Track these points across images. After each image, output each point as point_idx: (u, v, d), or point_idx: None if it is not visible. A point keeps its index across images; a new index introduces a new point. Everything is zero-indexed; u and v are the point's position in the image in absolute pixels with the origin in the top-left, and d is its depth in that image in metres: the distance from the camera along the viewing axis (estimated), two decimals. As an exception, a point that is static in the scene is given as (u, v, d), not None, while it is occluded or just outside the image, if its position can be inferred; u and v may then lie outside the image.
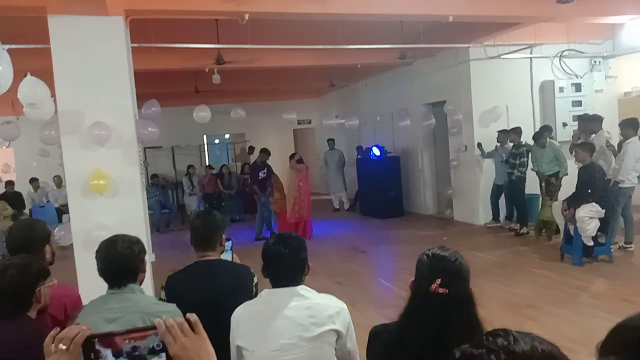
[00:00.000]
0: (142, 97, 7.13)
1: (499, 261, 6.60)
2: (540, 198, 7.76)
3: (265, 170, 9.20)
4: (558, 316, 4.58)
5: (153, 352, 1.06)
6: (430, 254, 1.78)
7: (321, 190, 15.36)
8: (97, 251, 2.21)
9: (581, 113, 8.12)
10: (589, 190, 5.92)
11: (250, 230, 9.88)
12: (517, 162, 7.97)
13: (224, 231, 2.65)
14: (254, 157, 11.21)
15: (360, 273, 6.60)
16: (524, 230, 7.98)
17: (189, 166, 12.14)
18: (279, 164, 14.19)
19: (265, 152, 9.28)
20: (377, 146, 10.75)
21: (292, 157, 9.16)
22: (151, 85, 9.78)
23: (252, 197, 10.17)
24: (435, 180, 10.76)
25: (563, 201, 6.28)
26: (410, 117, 10.12)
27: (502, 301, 5.06)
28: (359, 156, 11.63)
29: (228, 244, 2.80)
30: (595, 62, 9.18)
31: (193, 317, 1.10)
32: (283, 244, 2.12)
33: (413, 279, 1.82)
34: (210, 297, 2.41)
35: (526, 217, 8.01)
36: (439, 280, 1.70)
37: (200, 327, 1.10)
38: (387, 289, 5.97)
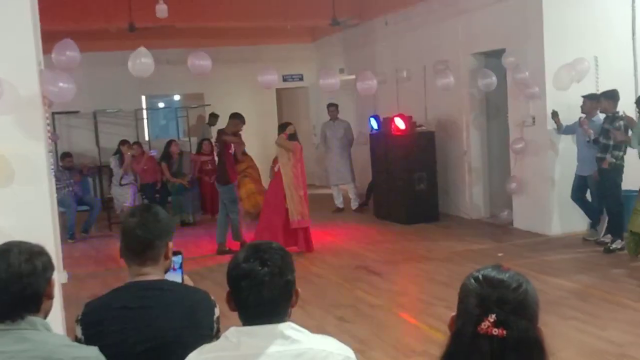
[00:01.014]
0: (51, 37, 7.10)
1: (579, 290, 6.64)
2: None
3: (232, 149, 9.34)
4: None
5: None
6: (480, 277, 1.77)
7: (316, 180, 15.37)
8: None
9: None
10: None
11: (209, 239, 9.89)
12: (611, 142, 8.00)
13: (171, 237, 2.65)
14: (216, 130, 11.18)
15: (373, 305, 6.61)
16: (617, 244, 8.03)
17: (122, 142, 12.14)
18: (254, 139, 14.22)
19: (238, 117, 9.32)
20: (401, 117, 10.77)
21: (282, 129, 9.14)
22: (65, 19, 9.73)
23: (213, 188, 10.19)
24: (487, 168, 10.78)
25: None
26: (452, 73, 10.11)
27: (583, 348, 5.10)
28: (374, 131, 11.66)
29: (177, 259, 2.80)
30: None
31: None
32: (259, 260, 2.12)
33: (454, 314, 1.82)
34: (149, 338, 2.41)
35: (622, 224, 8.04)
36: (493, 316, 1.69)
37: None
38: (413, 328, 5.98)
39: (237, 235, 9.22)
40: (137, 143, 12.43)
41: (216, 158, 9.31)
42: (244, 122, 9.40)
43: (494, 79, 9.28)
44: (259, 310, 2.10)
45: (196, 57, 8.44)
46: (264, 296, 2.09)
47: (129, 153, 11.71)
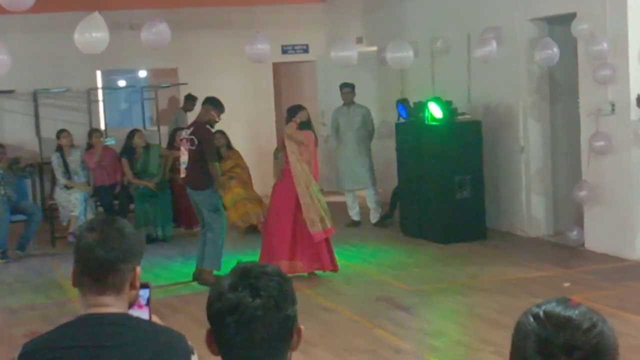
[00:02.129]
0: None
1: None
2: None
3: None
4: None
5: None
6: (541, 314, 1.79)
7: (325, 184, 15.29)
8: None
9: None
10: None
11: (183, 259, 9.89)
12: None
13: (139, 260, 2.68)
14: (193, 116, 11.15)
15: (398, 349, 6.61)
16: None
17: (61, 131, 12.12)
18: (244, 129, 14.24)
19: (213, 104, 9.23)
20: (437, 101, 10.77)
21: (291, 114, 9.09)
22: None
23: (184, 194, 10.02)
24: (550, 170, 10.76)
25: None
26: (505, 44, 10.09)
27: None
28: (402, 120, 11.64)
29: (143, 294, 2.81)
30: None
31: None
32: (250, 289, 2.13)
33: (505, 362, 1.83)
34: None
35: None
36: (558, 366, 1.71)
37: None
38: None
39: (215, 258, 8.91)
40: (97, 130, 12.50)
41: (185, 158, 8.95)
42: (222, 111, 9.19)
43: (555, 50, 9.28)
44: (249, 355, 2.11)
45: (159, 24, 8.30)
46: (255, 337, 2.09)
47: (100, 143, 11.89)
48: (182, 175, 9.12)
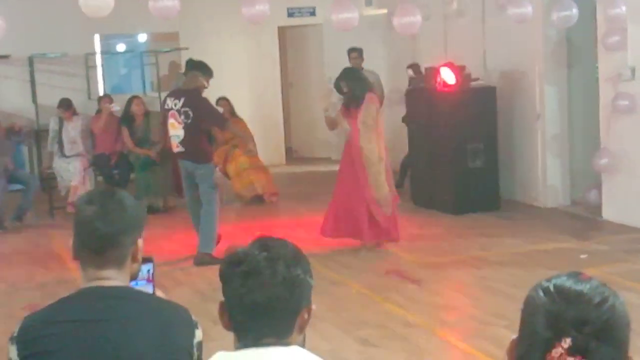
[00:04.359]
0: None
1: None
2: None
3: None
4: None
5: None
6: (551, 288, 1.80)
7: (332, 153, 15.38)
8: None
9: None
10: None
11: (186, 230, 9.96)
12: None
13: (141, 232, 2.70)
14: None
15: (408, 323, 6.65)
16: None
17: (62, 100, 12.14)
18: (248, 96, 14.22)
19: (201, 69, 8.90)
20: (450, 66, 10.74)
21: (354, 81, 8.87)
22: None
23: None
24: (568, 138, 10.78)
25: None
26: (520, 6, 10.03)
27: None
28: (413, 86, 11.60)
29: (145, 268, 2.84)
30: None
31: None
32: (260, 245, 2.21)
33: (515, 336, 1.86)
34: (107, 361, 2.47)
35: None
36: (569, 341, 1.72)
37: None
38: (462, 355, 6.02)
39: (208, 239, 8.70)
40: (107, 96, 12.52)
41: (177, 132, 8.67)
42: (211, 75, 8.91)
43: (574, 11, 9.22)
44: (257, 313, 2.16)
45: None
46: (259, 296, 2.15)
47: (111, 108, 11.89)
48: (176, 149, 8.78)
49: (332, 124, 9.11)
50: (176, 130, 8.67)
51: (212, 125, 8.69)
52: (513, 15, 9.59)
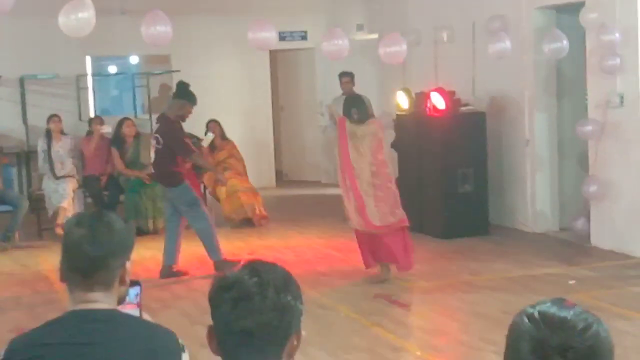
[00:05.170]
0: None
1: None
2: None
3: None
4: None
5: None
6: (535, 315, 1.83)
7: (322, 176, 15.43)
8: None
9: None
10: None
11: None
12: None
13: (129, 255, 2.72)
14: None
15: (396, 347, 6.65)
16: None
17: (51, 116, 12.14)
18: (239, 119, 14.23)
19: (186, 97, 8.99)
20: (440, 92, 10.79)
21: (359, 108, 8.88)
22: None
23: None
24: (557, 164, 10.79)
25: None
26: (511, 34, 10.10)
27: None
28: (402, 113, 11.64)
29: (133, 292, 2.85)
30: None
31: None
32: (251, 270, 2.19)
33: (500, 362, 1.89)
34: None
35: None
36: (551, 368, 1.76)
37: None
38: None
39: (213, 249, 8.98)
40: (98, 117, 12.52)
41: (152, 154, 8.99)
42: (194, 103, 8.99)
43: (564, 43, 9.29)
44: (246, 339, 2.15)
45: (152, 22, 8.31)
46: (248, 322, 2.13)
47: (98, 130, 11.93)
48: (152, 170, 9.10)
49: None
50: (153, 153, 9.04)
51: (177, 154, 8.82)
52: (493, 53, 9.68)
